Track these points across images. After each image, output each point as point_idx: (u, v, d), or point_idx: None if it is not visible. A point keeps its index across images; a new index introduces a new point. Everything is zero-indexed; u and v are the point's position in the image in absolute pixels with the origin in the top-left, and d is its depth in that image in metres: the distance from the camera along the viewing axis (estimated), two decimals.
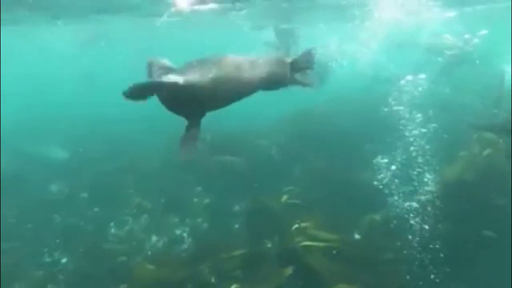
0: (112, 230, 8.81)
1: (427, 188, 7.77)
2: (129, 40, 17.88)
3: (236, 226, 8.68)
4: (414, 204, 7.45)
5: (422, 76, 10.63)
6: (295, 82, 3.97)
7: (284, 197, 8.83)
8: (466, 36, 13.04)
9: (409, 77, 10.48)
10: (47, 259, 8.18)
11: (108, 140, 13.82)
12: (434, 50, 13.19)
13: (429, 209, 7.28)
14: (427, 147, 8.38)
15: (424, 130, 8.78)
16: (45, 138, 13.71)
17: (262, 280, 6.40)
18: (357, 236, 7.28)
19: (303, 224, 7.23)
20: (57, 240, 8.60)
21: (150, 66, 3.41)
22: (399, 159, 8.69)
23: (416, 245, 6.79)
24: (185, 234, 8.55)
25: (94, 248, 8.29)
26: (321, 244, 6.61)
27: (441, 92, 12.06)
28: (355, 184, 9.66)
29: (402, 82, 10.41)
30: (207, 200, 9.67)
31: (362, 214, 8.06)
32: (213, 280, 6.52)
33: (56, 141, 13.40)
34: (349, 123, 12.67)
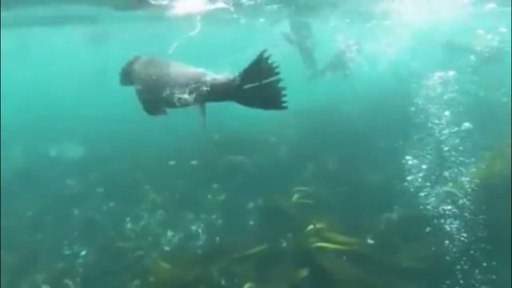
0: (128, 225, 8.94)
1: (449, 189, 7.59)
2: (136, 39, 17.87)
3: (248, 225, 8.67)
4: (433, 206, 7.30)
5: (444, 74, 10.36)
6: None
7: (295, 197, 8.81)
8: (502, 29, 12.50)
9: (431, 76, 10.23)
10: (66, 252, 8.34)
11: (119, 138, 14.00)
12: (458, 48, 12.78)
13: (449, 211, 7.10)
14: (451, 147, 8.19)
15: (448, 130, 8.56)
16: (58, 137, 13.96)
17: (275, 280, 6.41)
18: (372, 238, 7.16)
19: (318, 225, 7.20)
20: (75, 233, 8.76)
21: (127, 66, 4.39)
22: (419, 159, 8.51)
23: (434, 248, 6.66)
24: (200, 230, 8.61)
25: (110, 243, 8.41)
26: (336, 246, 6.56)
27: (467, 90, 11.65)
28: (368, 184, 9.58)
29: (423, 81, 10.18)
30: (221, 198, 9.71)
31: (376, 216, 7.97)
32: (226, 278, 6.55)
33: (69, 139, 13.64)
34: (364, 122, 12.52)
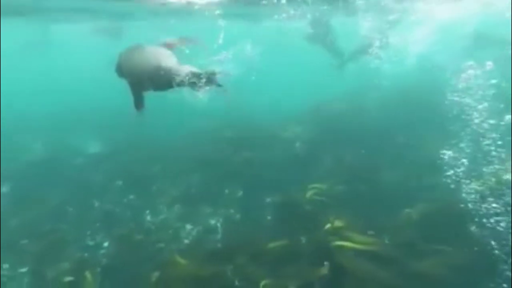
0: (148, 218, 9.07)
1: (470, 187, 7.36)
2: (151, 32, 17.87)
3: (265, 221, 8.65)
4: (459, 204, 7.09)
5: (473, 68, 9.97)
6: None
7: (311, 193, 8.75)
8: None
9: (458, 70, 9.87)
10: (88, 243, 8.52)
11: (133, 131, 14.13)
12: (491, 40, 12.25)
13: (469, 211, 6.89)
14: (478, 143, 7.91)
15: (476, 126, 8.26)
16: (76, 129, 14.20)
17: (292, 277, 6.38)
18: (391, 239, 7.02)
19: (335, 223, 7.13)
20: (97, 225, 8.94)
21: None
22: (442, 155, 8.25)
23: (455, 248, 6.48)
24: (218, 225, 8.66)
25: (130, 235, 8.55)
26: (355, 245, 6.48)
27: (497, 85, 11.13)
28: (383, 181, 9.40)
29: (449, 75, 9.85)
30: (237, 194, 9.73)
31: (396, 214, 7.82)
32: (243, 274, 6.57)
33: (87, 131, 13.90)
34: (385, 118, 12.27)
